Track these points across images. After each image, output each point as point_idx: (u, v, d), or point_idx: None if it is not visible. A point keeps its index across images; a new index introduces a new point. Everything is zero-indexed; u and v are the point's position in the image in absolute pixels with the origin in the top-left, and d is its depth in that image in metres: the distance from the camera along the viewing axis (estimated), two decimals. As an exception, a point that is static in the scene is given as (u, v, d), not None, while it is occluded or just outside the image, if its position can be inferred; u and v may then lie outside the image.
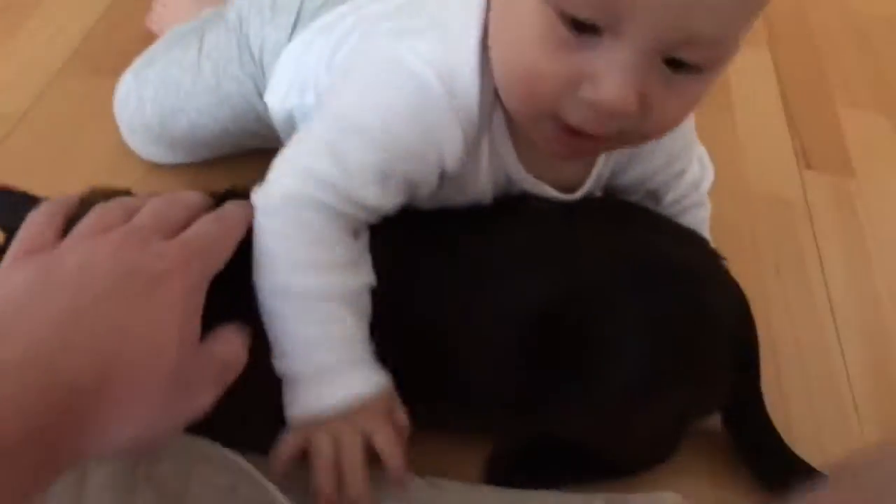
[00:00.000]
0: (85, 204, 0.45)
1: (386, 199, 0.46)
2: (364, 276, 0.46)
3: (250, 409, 0.42)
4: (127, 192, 0.49)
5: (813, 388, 0.63)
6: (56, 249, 0.39)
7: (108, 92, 0.71)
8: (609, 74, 0.37)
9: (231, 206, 0.45)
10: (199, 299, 0.40)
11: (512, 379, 0.47)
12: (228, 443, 0.45)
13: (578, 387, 0.46)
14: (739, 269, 0.54)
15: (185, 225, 0.43)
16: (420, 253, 0.48)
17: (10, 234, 0.44)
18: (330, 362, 0.43)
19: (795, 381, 0.63)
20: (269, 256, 0.44)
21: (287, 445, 0.43)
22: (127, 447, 0.37)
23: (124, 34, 0.86)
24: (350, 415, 0.43)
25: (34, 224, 0.42)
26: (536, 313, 0.46)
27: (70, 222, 0.43)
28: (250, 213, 0.45)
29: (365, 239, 0.47)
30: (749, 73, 0.95)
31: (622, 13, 0.35)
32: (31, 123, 0.76)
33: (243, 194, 0.46)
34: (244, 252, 0.44)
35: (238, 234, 0.44)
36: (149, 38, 0.78)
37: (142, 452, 0.41)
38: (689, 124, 0.54)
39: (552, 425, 0.50)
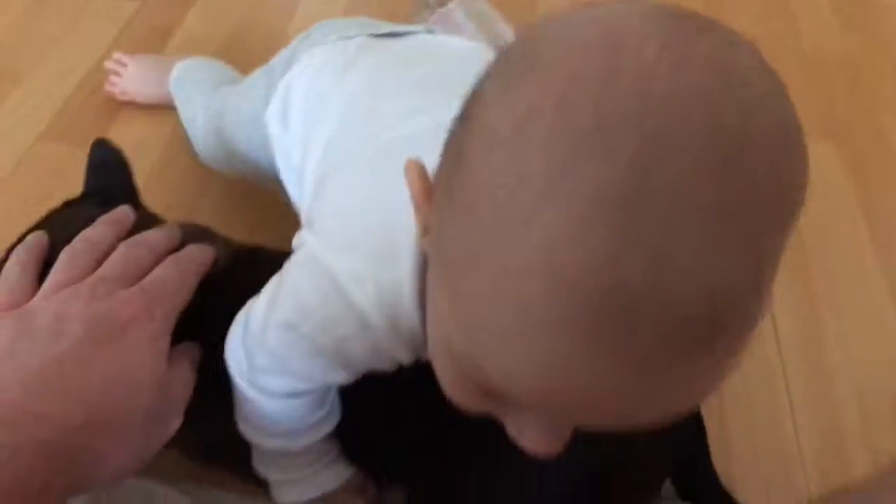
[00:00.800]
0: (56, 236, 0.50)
1: (350, 375, 0.44)
2: (335, 414, 0.50)
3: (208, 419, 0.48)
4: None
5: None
6: (31, 304, 0.43)
7: (79, 160, 0.75)
8: (528, 430, 0.32)
9: (189, 249, 0.49)
10: (166, 340, 0.44)
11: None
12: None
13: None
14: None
15: (151, 267, 0.47)
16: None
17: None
18: (308, 472, 0.51)
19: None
20: (248, 414, 0.48)
21: None
22: (112, 478, 0.41)
23: (94, 106, 0.91)
24: (328, 497, 0.52)
25: (8, 279, 0.46)
26: None
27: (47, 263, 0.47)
28: (208, 254, 0.49)
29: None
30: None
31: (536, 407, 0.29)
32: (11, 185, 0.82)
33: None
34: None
35: (196, 277, 0.47)
36: (117, 108, 0.84)
37: (121, 481, 0.44)
38: None
39: None
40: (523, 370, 0.25)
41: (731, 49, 0.25)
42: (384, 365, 0.42)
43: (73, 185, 0.70)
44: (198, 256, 0.48)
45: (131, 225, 0.51)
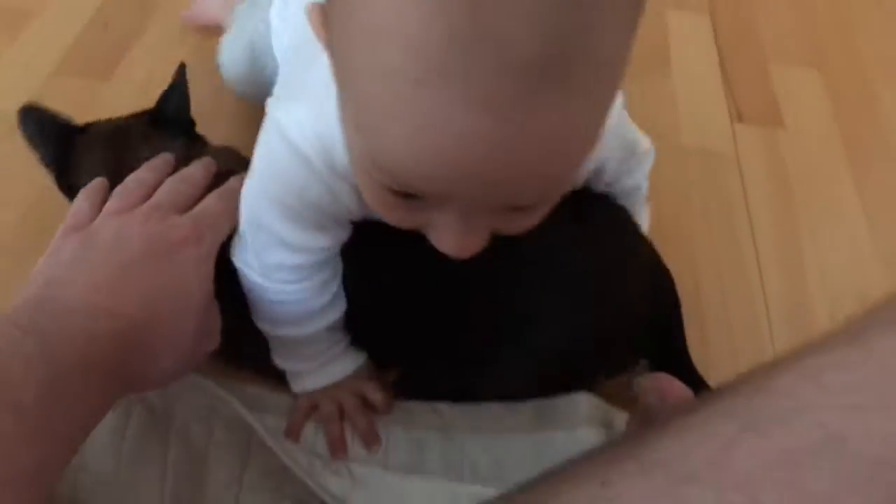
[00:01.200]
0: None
1: (326, 239, 0.49)
2: (340, 302, 0.55)
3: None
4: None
5: (734, 324, 0.71)
6: (93, 224, 0.50)
7: (96, 93, 0.79)
8: (443, 230, 0.36)
9: (233, 182, 0.54)
10: (211, 265, 0.50)
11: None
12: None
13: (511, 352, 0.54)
14: (670, 218, 0.60)
15: (196, 200, 0.53)
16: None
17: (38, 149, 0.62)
18: (324, 359, 0.56)
19: (719, 322, 0.70)
20: (258, 306, 0.54)
21: (299, 410, 0.58)
22: (159, 381, 0.47)
23: (109, 39, 0.95)
24: (343, 383, 0.57)
25: (77, 205, 0.52)
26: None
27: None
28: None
29: (336, 264, 0.53)
30: (687, 35, 1.01)
31: (437, 194, 0.34)
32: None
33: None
34: None
35: (237, 209, 0.52)
36: (129, 44, 0.87)
37: (164, 385, 0.50)
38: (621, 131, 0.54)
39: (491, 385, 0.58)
40: (407, 145, 0.30)
41: None
42: (343, 216, 0.48)
43: (92, 117, 0.75)
44: (238, 188, 0.53)
45: (171, 168, 0.57)
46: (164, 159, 0.58)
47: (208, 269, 0.49)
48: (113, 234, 0.48)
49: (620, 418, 0.57)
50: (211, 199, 0.53)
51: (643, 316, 0.57)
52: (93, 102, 0.86)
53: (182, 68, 0.66)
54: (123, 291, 0.44)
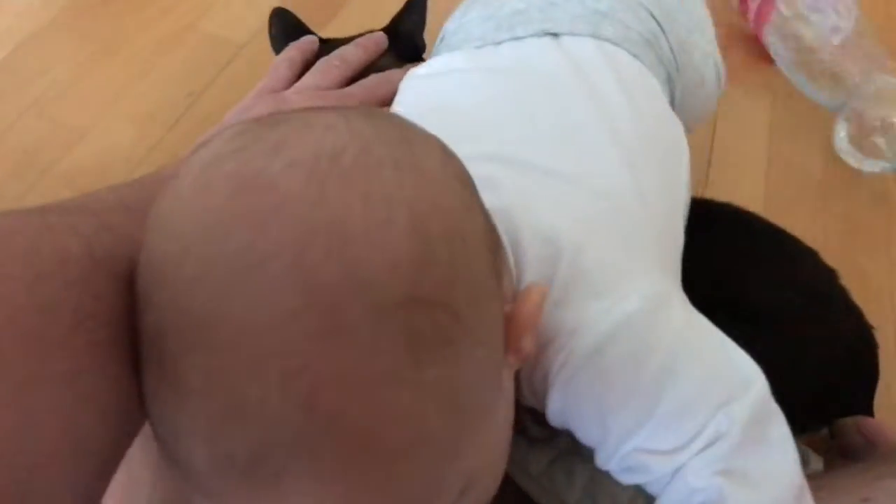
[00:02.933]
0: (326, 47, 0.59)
1: None
2: None
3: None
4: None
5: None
6: (286, 93, 0.50)
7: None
8: None
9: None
10: None
11: None
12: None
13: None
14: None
15: (388, 103, 0.52)
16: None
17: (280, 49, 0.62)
18: None
19: None
20: None
21: None
22: None
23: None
24: None
25: (278, 68, 0.53)
26: None
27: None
28: None
29: None
30: None
31: None
32: (251, 53, 0.89)
33: None
34: None
35: None
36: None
37: None
38: None
39: None
40: None
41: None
42: None
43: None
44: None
45: (382, 48, 0.57)
46: (379, 37, 0.58)
47: None
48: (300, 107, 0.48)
49: (816, 459, 0.55)
50: None
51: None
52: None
53: None
54: None
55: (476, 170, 0.33)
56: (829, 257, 0.58)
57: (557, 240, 0.37)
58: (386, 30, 0.66)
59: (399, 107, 0.50)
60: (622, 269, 0.38)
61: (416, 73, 0.53)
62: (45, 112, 0.80)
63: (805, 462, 0.55)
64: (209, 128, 0.72)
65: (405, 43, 0.65)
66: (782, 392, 0.50)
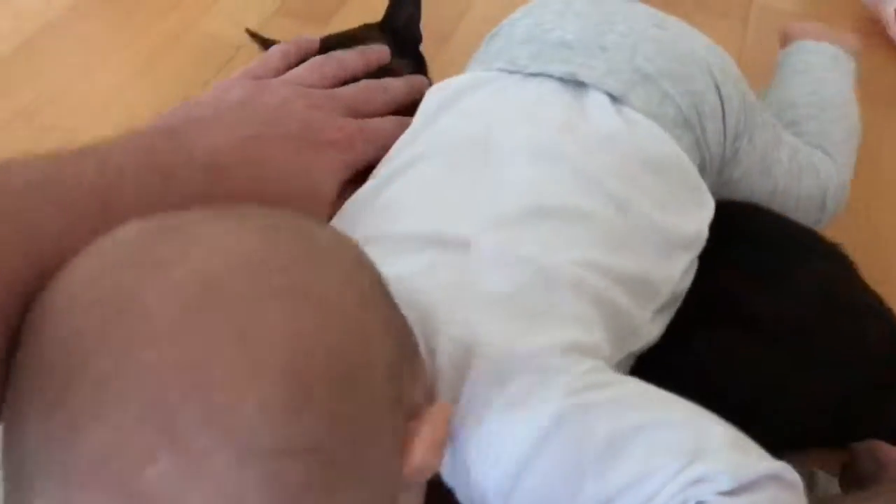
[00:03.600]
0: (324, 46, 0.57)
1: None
2: None
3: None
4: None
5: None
6: (271, 81, 0.48)
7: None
8: None
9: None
10: (347, 176, 0.47)
11: None
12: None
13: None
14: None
15: (381, 111, 0.51)
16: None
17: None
18: None
19: None
20: None
21: None
22: None
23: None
24: None
25: (270, 55, 0.52)
26: None
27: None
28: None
29: None
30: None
31: None
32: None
33: None
34: None
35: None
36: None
37: None
38: None
39: None
40: None
41: None
42: None
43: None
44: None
45: (383, 63, 0.56)
46: (381, 50, 0.56)
47: (341, 177, 0.46)
48: (280, 101, 0.46)
49: (825, 479, 0.53)
50: (387, 121, 0.51)
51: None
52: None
53: None
54: (254, 160, 0.42)
55: (413, 259, 0.37)
56: None
57: (471, 341, 0.36)
58: (381, 24, 0.66)
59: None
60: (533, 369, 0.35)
61: (433, 97, 0.52)
62: (37, 117, 0.79)
63: (812, 486, 0.53)
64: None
65: (402, 37, 0.65)
66: (783, 410, 0.48)
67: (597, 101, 0.49)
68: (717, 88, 0.52)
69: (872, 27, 0.97)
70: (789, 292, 0.52)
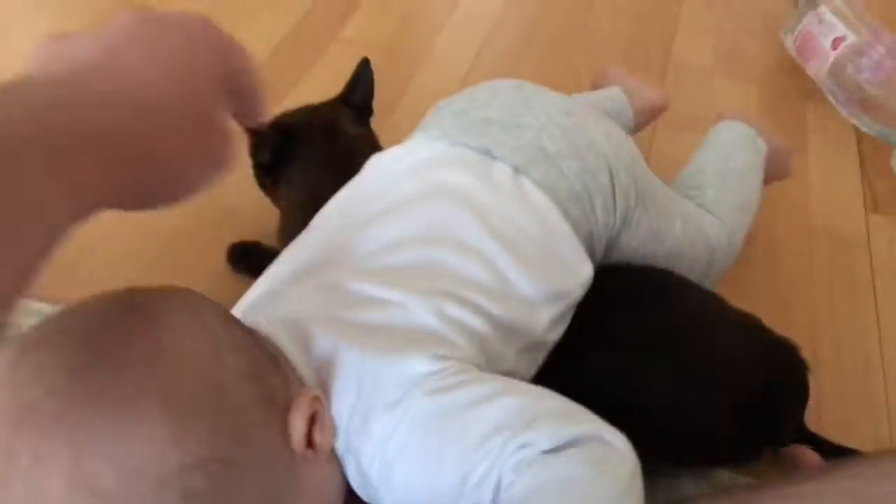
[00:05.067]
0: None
1: None
2: None
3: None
4: None
5: (850, 398, 0.71)
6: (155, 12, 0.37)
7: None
8: None
9: None
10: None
11: None
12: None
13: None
14: (796, 296, 0.64)
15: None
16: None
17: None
18: None
19: (835, 396, 0.70)
20: None
21: None
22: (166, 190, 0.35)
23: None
24: None
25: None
26: None
27: None
28: None
29: None
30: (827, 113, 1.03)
31: None
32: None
33: None
34: None
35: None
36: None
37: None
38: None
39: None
40: None
41: None
42: None
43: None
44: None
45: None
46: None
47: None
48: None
49: (728, 476, 0.59)
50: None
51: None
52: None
53: (366, 60, 0.77)
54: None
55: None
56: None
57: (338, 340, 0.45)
58: (342, 99, 0.77)
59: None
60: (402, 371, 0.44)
61: (383, 158, 0.63)
62: None
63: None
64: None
65: (359, 110, 0.78)
66: (672, 420, 0.54)
67: (501, 170, 0.59)
68: (609, 171, 0.61)
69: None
70: (658, 310, 0.59)
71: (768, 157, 0.79)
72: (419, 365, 0.43)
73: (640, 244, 0.64)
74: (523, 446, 0.38)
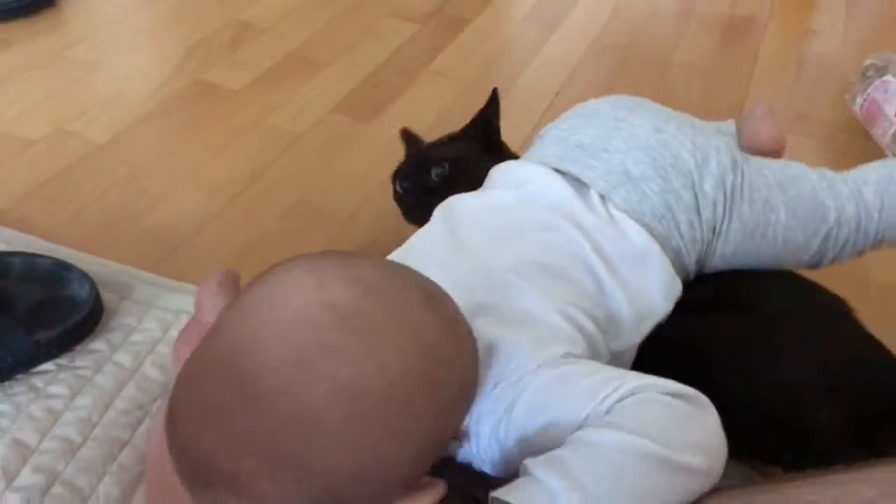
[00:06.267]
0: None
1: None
2: None
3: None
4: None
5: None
6: None
7: (357, 131, 0.98)
8: None
9: None
10: None
11: None
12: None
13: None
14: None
15: None
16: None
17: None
18: None
19: None
20: None
21: None
22: None
23: (374, 94, 1.17)
24: None
25: (200, 302, 0.52)
26: None
27: None
28: None
29: None
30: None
31: None
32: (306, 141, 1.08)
33: None
34: None
35: None
36: (389, 100, 1.08)
37: None
38: None
39: None
40: None
41: None
42: None
43: (351, 149, 0.93)
44: None
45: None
46: None
47: None
48: None
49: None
50: None
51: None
52: (354, 138, 1.08)
53: (495, 91, 0.82)
54: None
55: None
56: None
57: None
58: (477, 129, 0.84)
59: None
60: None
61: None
62: (133, 182, 0.98)
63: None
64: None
65: (487, 138, 0.83)
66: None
67: (593, 195, 0.65)
68: (693, 187, 0.65)
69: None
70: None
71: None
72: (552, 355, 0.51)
73: (737, 247, 0.67)
74: (632, 391, 0.45)
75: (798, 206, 0.67)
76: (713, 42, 1.41)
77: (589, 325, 0.56)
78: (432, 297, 0.43)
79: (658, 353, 0.61)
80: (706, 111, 1.18)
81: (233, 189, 0.97)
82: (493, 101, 0.84)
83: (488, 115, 0.84)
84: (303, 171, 1.01)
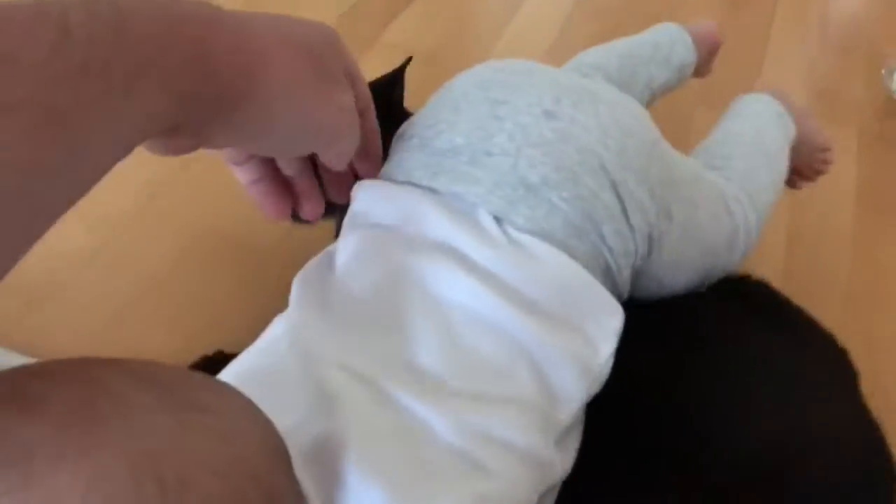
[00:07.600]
0: None
1: None
2: None
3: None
4: None
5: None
6: None
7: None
8: None
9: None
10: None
11: None
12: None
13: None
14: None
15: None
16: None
17: None
18: None
19: None
20: None
21: None
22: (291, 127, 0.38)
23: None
24: None
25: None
26: None
27: None
28: None
29: None
30: None
31: None
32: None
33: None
34: None
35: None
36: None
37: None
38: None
39: None
40: None
41: None
42: None
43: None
44: None
45: None
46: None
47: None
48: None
49: None
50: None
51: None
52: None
53: (408, 60, 0.73)
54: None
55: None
56: None
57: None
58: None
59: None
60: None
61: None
62: None
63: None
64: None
65: (389, 109, 0.69)
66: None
67: (485, 219, 0.47)
68: (613, 185, 0.48)
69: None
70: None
71: (797, 147, 0.73)
72: None
73: (673, 255, 0.53)
74: None
75: (709, 205, 0.58)
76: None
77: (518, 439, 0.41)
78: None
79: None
80: (713, 81, 1.00)
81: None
82: (400, 69, 0.74)
83: (390, 82, 0.72)
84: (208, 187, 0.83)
